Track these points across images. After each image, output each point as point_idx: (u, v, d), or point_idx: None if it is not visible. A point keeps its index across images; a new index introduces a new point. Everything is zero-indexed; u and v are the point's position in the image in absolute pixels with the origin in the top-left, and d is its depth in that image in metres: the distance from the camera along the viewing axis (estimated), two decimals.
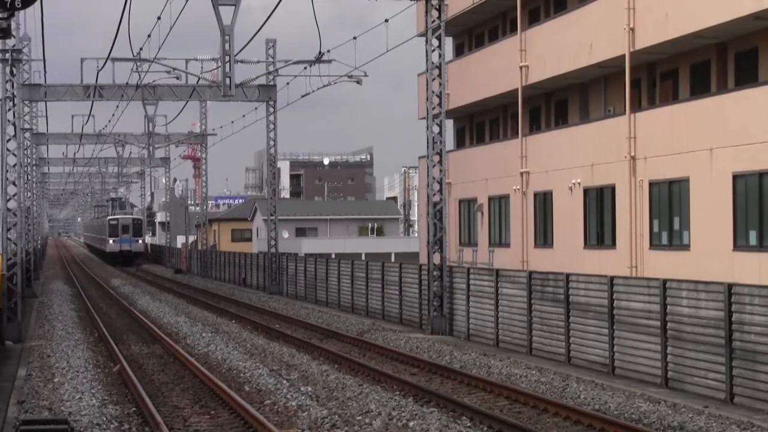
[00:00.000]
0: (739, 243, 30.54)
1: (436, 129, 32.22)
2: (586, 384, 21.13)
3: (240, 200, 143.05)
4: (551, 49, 41.36)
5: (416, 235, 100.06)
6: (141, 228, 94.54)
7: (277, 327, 34.19)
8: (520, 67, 43.51)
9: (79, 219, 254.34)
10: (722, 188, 31.10)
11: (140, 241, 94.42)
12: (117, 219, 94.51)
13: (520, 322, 26.90)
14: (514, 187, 44.22)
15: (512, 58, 44.16)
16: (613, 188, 36.97)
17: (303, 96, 44.76)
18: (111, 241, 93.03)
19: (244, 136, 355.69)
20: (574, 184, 39.53)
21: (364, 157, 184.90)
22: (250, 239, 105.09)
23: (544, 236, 42.44)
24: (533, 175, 43.05)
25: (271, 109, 53.17)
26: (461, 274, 30.89)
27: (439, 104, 32.24)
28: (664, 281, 21.36)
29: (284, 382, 21.66)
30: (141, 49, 38.51)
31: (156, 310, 40.57)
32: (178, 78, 47.68)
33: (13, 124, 34.56)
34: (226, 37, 27.20)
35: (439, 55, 32.26)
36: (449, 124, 54.06)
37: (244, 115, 61.89)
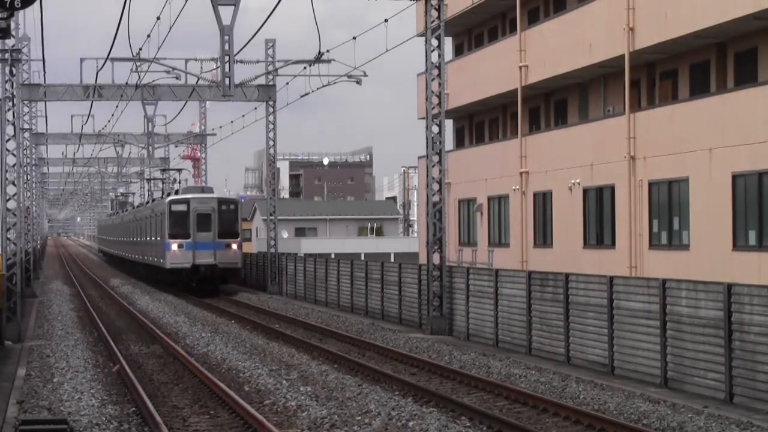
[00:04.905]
0: (739, 243, 30.54)
1: (435, 129, 32.22)
2: (586, 384, 21.13)
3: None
4: (551, 49, 41.37)
5: (416, 235, 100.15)
6: (236, 220, 51.33)
7: (277, 327, 34.18)
8: (520, 67, 43.52)
9: (78, 219, 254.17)
10: (722, 188, 31.11)
11: (234, 247, 50.26)
12: (186, 201, 50.66)
13: (520, 322, 26.91)
14: (514, 187, 44.22)
15: (512, 58, 44.16)
16: (612, 188, 36.97)
17: (302, 96, 44.77)
18: (174, 247, 49.99)
19: (244, 136, 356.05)
20: (573, 184, 39.53)
21: (363, 157, 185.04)
22: (249, 239, 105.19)
23: (543, 236, 42.45)
24: (533, 175, 43.06)
25: (271, 109, 53.16)
26: (461, 274, 30.88)
27: (439, 104, 32.23)
28: (664, 281, 21.37)
29: (284, 381, 21.66)
30: (140, 49, 38.55)
31: (155, 310, 40.55)
32: (177, 78, 47.70)
33: (13, 124, 34.54)
34: (226, 37, 27.22)
35: (439, 55, 32.26)
36: (449, 124, 54.06)
37: (243, 115, 61.96)
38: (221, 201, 51.16)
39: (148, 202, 65.11)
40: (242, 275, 54.56)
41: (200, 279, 49.67)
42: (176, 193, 54.89)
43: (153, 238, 55.53)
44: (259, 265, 55.03)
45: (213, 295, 48.62)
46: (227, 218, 50.33)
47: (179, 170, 71.85)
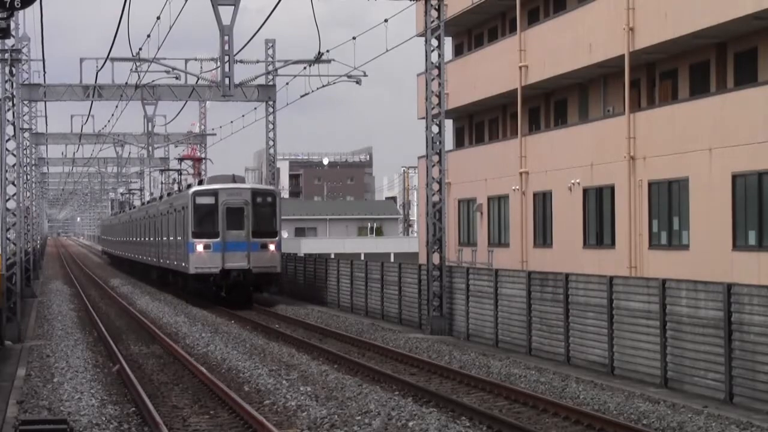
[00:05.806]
0: (739, 243, 30.54)
1: (435, 129, 32.22)
2: (586, 384, 21.13)
3: None
4: (551, 49, 41.37)
5: (415, 235, 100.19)
6: (273, 216, 42.57)
7: (277, 327, 34.18)
8: (520, 67, 43.52)
9: (78, 219, 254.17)
10: (721, 188, 31.10)
11: (272, 248, 41.88)
12: (214, 193, 42.18)
13: (520, 322, 26.91)
14: (514, 187, 44.22)
15: (511, 58, 44.16)
16: (612, 188, 36.97)
17: (302, 96, 44.73)
18: (199, 249, 41.58)
19: (244, 136, 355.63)
20: (573, 183, 39.53)
21: (363, 157, 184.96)
22: None
23: (543, 236, 42.45)
24: (532, 175, 43.06)
25: (271, 109, 53.15)
26: (461, 274, 30.89)
27: (439, 104, 32.24)
28: (664, 281, 21.37)
29: (284, 382, 21.65)
30: (140, 49, 38.53)
31: (155, 310, 40.52)
32: (177, 78, 47.68)
33: (13, 124, 34.55)
34: (226, 37, 27.22)
35: (439, 55, 32.27)
36: (449, 124, 54.06)
37: (243, 115, 61.99)
38: (256, 192, 42.35)
39: (161, 197, 57.53)
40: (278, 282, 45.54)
41: (231, 286, 41.51)
42: (200, 183, 45.96)
43: (172, 238, 46.90)
44: None
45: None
46: (263, 213, 41.88)
47: (201, 159, 61.53)
